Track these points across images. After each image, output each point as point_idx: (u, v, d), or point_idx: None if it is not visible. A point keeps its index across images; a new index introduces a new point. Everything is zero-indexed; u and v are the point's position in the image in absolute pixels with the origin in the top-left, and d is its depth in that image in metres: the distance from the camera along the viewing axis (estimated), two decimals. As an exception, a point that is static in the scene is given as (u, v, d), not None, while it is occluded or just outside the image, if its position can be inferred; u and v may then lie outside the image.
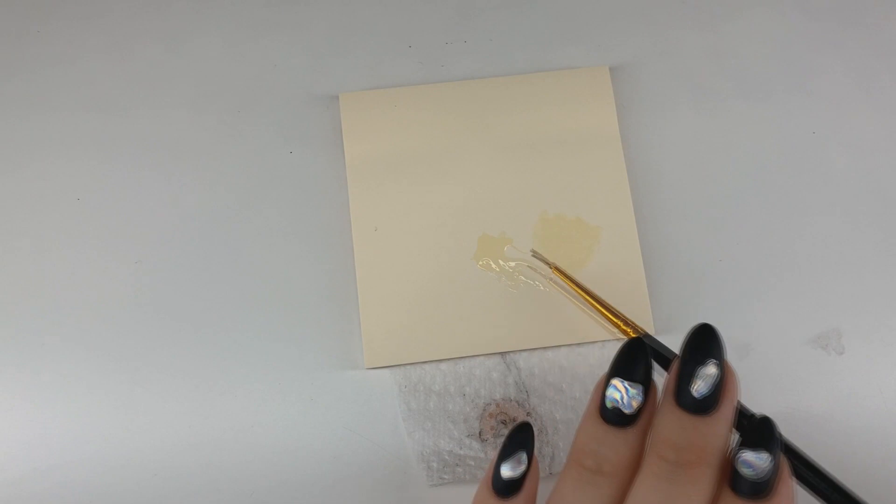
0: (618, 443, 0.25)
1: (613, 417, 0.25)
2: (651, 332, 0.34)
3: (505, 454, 0.26)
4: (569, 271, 0.34)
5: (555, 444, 0.33)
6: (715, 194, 0.36)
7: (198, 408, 0.33)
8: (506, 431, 0.33)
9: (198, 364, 0.34)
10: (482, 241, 0.35)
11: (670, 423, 0.24)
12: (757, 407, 0.34)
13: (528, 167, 0.36)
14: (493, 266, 0.35)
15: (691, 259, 0.35)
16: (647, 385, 0.25)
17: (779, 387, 0.34)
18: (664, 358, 0.29)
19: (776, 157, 0.37)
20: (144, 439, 0.33)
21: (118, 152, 0.36)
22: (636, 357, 0.25)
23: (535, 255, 0.34)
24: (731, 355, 0.34)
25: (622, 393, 0.25)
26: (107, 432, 0.33)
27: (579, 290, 0.33)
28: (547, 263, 0.34)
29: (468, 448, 0.33)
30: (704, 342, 0.24)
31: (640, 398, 0.25)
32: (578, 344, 0.34)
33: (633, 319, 0.34)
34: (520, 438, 0.26)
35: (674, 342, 0.34)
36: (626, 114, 0.37)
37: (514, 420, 0.33)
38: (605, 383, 0.25)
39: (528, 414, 0.33)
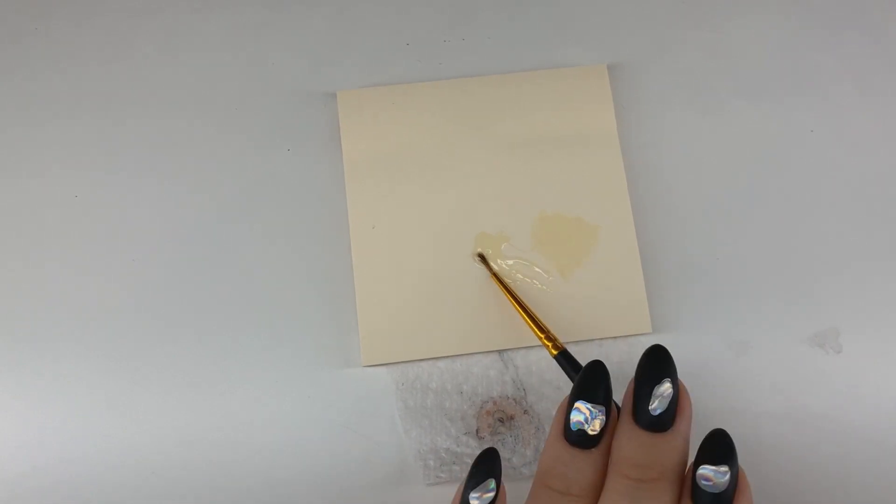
0: (583, 464, 0.25)
1: (578, 439, 0.26)
2: (648, 329, 0.34)
3: (473, 482, 0.26)
4: (505, 280, 0.34)
5: (552, 442, 0.33)
6: (712, 193, 0.36)
7: (195, 406, 0.33)
8: (503, 430, 0.33)
9: (195, 362, 0.34)
10: (480, 240, 0.35)
11: (630, 441, 0.25)
12: (755, 406, 0.34)
13: (527, 165, 0.36)
14: (490, 264, 0.35)
15: (689, 258, 0.35)
16: (608, 406, 0.26)
17: (776, 386, 0.34)
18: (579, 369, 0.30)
19: (774, 155, 0.37)
20: (142, 437, 0.33)
21: (116, 150, 0.36)
22: (598, 379, 0.26)
23: (481, 257, 0.35)
24: (728, 353, 0.34)
25: (586, 414, 0.25)
26: (105, 430, 0.33)
27: (511, 299, 0.33)
28: (488, 269, 0.34)
29: (465, 446, 0.33)
30: (658, 362, 0.26)
31: (603, 419, 0.25)
32: (576, 342, 0.34)
33: (631, 318, 0.34)
34: (487, 465, 0.27)
35: (672, 342, 0.34)
36: (625, 112, 0.37)
37: (512, 418, 0.33)
38: (569, 406, 0.26)
39: (526, 412, 0.33)
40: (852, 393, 0.34)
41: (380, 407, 0.34)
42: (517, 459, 0.33)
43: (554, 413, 0.33)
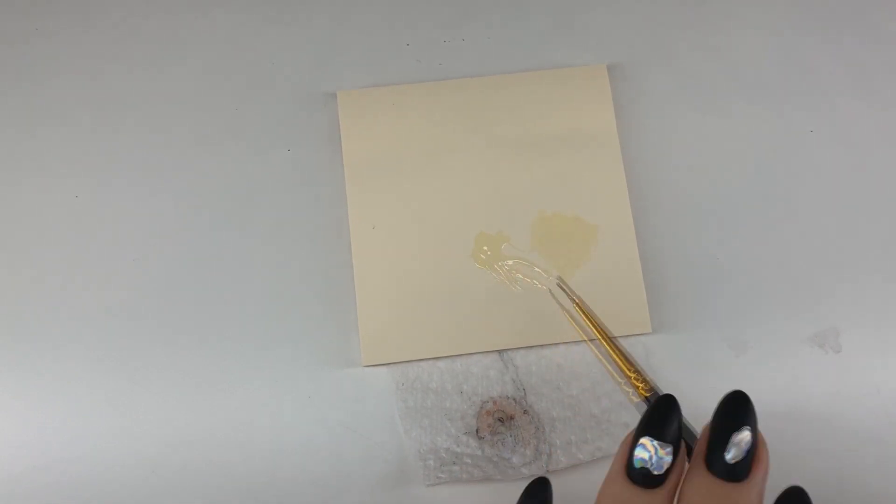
0: None
1: (641, 478, 0.24)
2: (647, 329, 0.34)
3: None
4: (590, 311, 0.33)
5: (552, 441, 0.33)
6: (712, 192, 0.36)
7: (196, 405, 0.33)
8: (503, 430, 0.33)
9: (196, 362, 0.34)
10: (480, 239, 0.35)
11: (700, 488, 0.23)
12: (755, 405, 0.34)
13: (526, 165, 0.36)
14: (490, 263, 0.35)
15: (688, 257, 0.35)
16: (676, 445, 0.24)
17: (776, 385, 0.34)
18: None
19: (773, 155, 0.37)
20: (142, 437, 0.33)
21: (116, 151, 0.36)
22: (668, 415, 0.24)
23: (561, 284, 0.34)
24: (728, 353, 0.34)
25: (651, 453, 0.24)
26: (105, 430, 0.33)
27: (598, 332, 0.32)
28: (572, 297, 0.33)
29: (465, 445, 0.33)
30: (738, 408, 0.24)
31: (670, 459, 0.24)
32: (576, 342, 0.34)
33: (631, 318, 0.34)
34: (540, 498, 0.25)
35: (671, 341, 0.34)
36: (624, 112, 0.37)
37: (512, 418, 0.33)
38: (634, 441, 0.24)
39: (525, 412, 0.33)
40: (852, 392, 0.34)
41: (380, 407, 0.34)
42: (517, 459, 0.33)
43: (554, 412, 0.33)
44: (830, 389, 0.34)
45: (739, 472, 0.23)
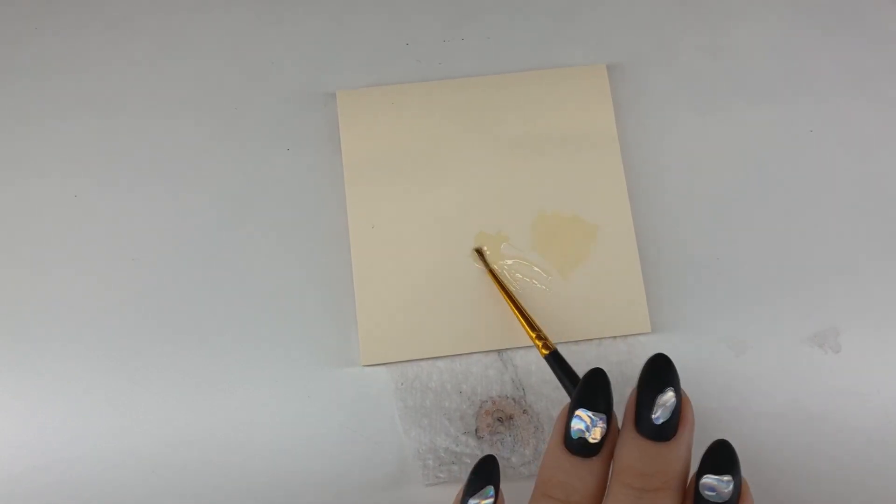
0: (584, 473, 0.25)
1: (579, 448, 0.25)
2: (647, 329, 0.34)
3: (471, 489, 0.26)
4: (501, 277, 0.34)
5: (551, 441, 0.33)
6: (712, 192, 0.36)
7: (195, 405, 0.33)
8: (503, 429, 0.33)
9: (195, 362, 0.34)
10: (479, 239, 0.35)
11: (632, 450, 0.25)
12: (754, 406, 0.34)
13: (526, 165, 0.36)
14: (489, 263, 0.35)
15: (688, 257, 0.35)
16: (609, 414, 0.26)
17: (775, 385, 0.34)
18: (572, 376, 0.30)
19: (773, 155, 0.37)
20: (142, 437, 0.33)
21: (115, 150, 0.36)
22: (598, 387, 0.26)
23: (479, 253, 0.35)
24: (728, 353, 0.34)
25: (587, 422, 0.25)
26: (104, 430, 0.33)
27: (506, 298, 0.33)
28: (485, 266, 0.34)
29: (465, 445, 0.33)
30: (661, 371, 0.25)
31: (604, 427, 0.25)
32: (575, 342, 0.34)
33: (630, 318, 0.34)
34: (486, 472, 0.27)
35: (671, 341, 0.34)
36: (624, 112, 0.37)
37: (511, 418, 0.33)
38: (569, 414, 0.26)
39: (525, 411, 0.33)
40: (851, 392, 0.34)
41: (379, 407, 0.34)
42: (516, 459, 0.33)
43: (553, 412, 0.33)
44: (830, 389, 0.34)
45: (667, 432, 0.25)
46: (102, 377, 0.34)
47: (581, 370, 0.30)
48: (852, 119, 0.37)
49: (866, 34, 0.38)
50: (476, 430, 0.33)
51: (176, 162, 0.36)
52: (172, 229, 0.35)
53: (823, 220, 0.36)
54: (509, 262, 0.35)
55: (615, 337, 0.34)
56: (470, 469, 0.31)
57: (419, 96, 0.37)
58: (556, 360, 0.30)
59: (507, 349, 0.34)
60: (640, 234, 0.35)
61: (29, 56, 0.38)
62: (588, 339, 0.34)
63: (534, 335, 0.31)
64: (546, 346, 0.31)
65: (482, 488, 0.26)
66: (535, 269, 0.35)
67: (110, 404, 0.33)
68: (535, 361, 0.34)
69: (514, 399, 0.33)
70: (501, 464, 0.32)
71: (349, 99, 0.37)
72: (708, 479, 0.24)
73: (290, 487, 0.33)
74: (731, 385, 0.34)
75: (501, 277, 0.34)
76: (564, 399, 0.33)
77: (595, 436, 0.25)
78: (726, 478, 0.24)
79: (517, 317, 0.32)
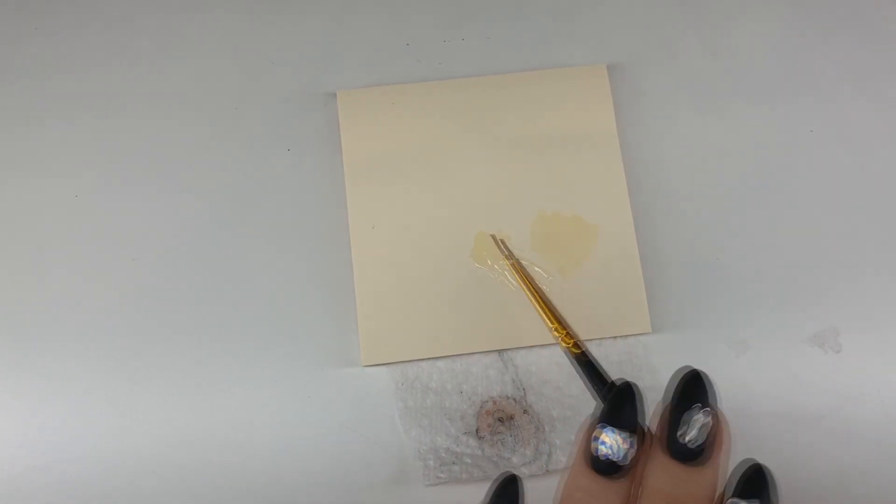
0: (609, 493, 0.24)
1: (605, 468, 0.23)
2: (647, 329, 0.34)
3: None
4: (525, 270, 0.33)
5: (552, 441, 0.33)
6: (712, 192, 0.36)
7: (195, 405, 0.33)
8: (503, 429, 0.33)
9: (195, 362, 0.34)
10: (479, 239, 0.35)
11: (660, 471, 0.23)
12: (754, 406, 0.34)
13: (526, 165, 0.36)
14: (489, 263, 0.35)
15: (688, 257, 0.35)
16: (639, 431, 0.24)
17: (775, 385, 0.34)
18: (600, 378, 0.28)
19: (773, 154, 0.37)
20: (142, 437, 0.33)
21: (116, 150, 0.36)
22: (627, 403, 0.24)
23: (499, 243, 0.34)
24: (728, 353, 0.34)
25: (614, 443, 0.23)
26: (105, 430, 0.33)
27: (528, 291, 0.32)
28: (507, 256, 0.34)
29: (465, 445, 0.33)
30: (695, 389, 0.24)
31: (633, 448, 0.23)
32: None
33: (631, 318, 0.34)
34: (509, 495, 0.25)
35: (671, 341, 0.34)
36: (624, 112, 0.37)
37: (511, 417, 0.33)
38: (595, 430, 0.24)
39: (525, 411, 0.33)
40: (852, 392, 0.34)
41: (380, 407, 0.34)
42: (517, 459, 0.33)
43: (554, 412, 0.33)
44: (830, 389, 0.34)
45: (698, 454, 0.23)
46: (102, 377, 0.34)
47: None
48: (852, 119, 0.37)
49: (866, 34, 0.38)
50: (476, 430, 0.33)
51: (176, 162, 0.36)
52: (172, 229, 0.35)
53: (823, 221, 0.36)
54: (510, 261, 0.35)
55: (615, 337, 0.34)
56: (478, 472, 0.31)
57: (419, 96, 0.37)
58: (584, 362, 0.28)
59: (507, 349, 0.34)
60: (640, 234, 0.35)
61: (29, 56, 0.38)
62: (588, 339, 0.34)
63: (563, 333, 0.30)
64: (576, 345, 0.29)
65: None
66: (536, 269, 0.35)
67: (110, 404, 0.33)
68: (535, 362, 0.34)
69: (514, 399, 0.33)
70: (502, 464, 0.32)
71: (349, 99, 0.37)
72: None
73: (290, 487, 0.33)
74: (731, 385, 0.34)
75: (523, 271, 0.33)
76: (566, 399, 0.33)
77: (623, 458, 0.23)
78: (755, 502, 0.22)
79: (542, 314, 0.31)
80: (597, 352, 0.34)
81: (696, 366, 0.33)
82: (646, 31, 0.39)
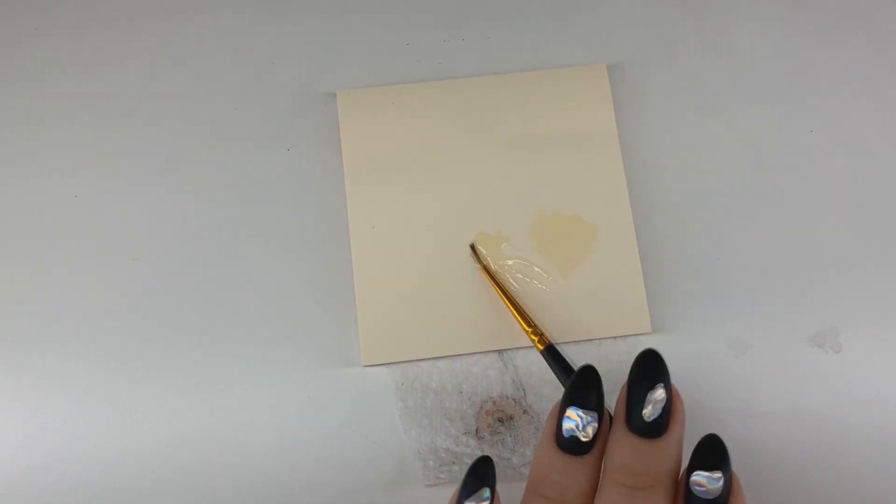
0: (576, 471, 0.25)
1: (571, 446, 0.25)
2: (647, 329, 0.34)
3: (467, 491, 0.26)
4: (496, 275, 0.34)
5: (551, 441, 0.33)
6: (712, 192, 0.36)
7: (195, 405, 0.33)
8: (503, 430, 0.33)
9: (195, 362, 0.34)
10: (479, 239, 0.35)
11: (624, 448, 0.25)
12: (754, 406, 0.34)
13: (526, 165, 0.36)
14: (489, 263, 0.35)
15: (688, 257, 0.35)
16: (600, 412, 0.26)
17: (775, 385, 0.34)
18: (568, 370, 0.30)
19: (773, 155, 0.37)
20: (142, 437, 0.33)
21: (116, 150, 0.36)
22: (590, 385, 0.26)
23: (472, 249, 0.35)
24: (728, 353, 0.34)
25: (578, 421, 0.25)
26: (104, 430, 0.33)
27: (501, 294, 0.33)
28: (478, 262, 0.34)
29: (465, 446, 0.33)
30: (651, 367, 0.25)
31: (595, 425, 0.25)
32: (575, 342, 0.34)
33: (631, 318, 0.34)
34: (481, 473, 0.26)
35: (671, 341, 0.34)
36: (624, 112, 0.37)
37: (511, 418, 0.33)
38: (560, 412, 0.26)
39: (525, 412, 0.33)
40: (852, 393, 0.34)
41: (380, 407, 0.34)
42: (517, 459, 0.33)
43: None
44: (830, 389, 0.34)
45: (658, 428, 0.25)
46: (102, 377, 0.34)
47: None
48: (852, 119, 0.37)
49: (866, 34, 0.38)
50: (476, 431, 0.33)
51: (176, 162, 0.36)
52: (172, 229, 0.35)
53: (823, 220, 0.36)
54: (510, 262, 0.35)
55: (615, 337, 0.34)
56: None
57: (419, 96, 0.37)
58: (551, 355, 0.30)
59: (507, 349, 0.34)
60: (640, 234, 0.35)
61: (29, 56, 0.38)
62: (588, 340, 0.34)
63: (529, 330, 0.31)
64: (542, 340, 0.31)
65: (478, 490, 0.26)
66: (536, 269, 0.35)
67: (110, 404, 0.33)
68: (535, 362, 0.34)
69: (514, 399, 0.33)
70: (502, 464, 0.32)
71: (350, 99, 0.37)
72: (698, 476, 0.24)
73: (290, 487, 0.33)
74: (731, 385, 0.34)
75: (495, 274, 0.34)
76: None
77: (587, 434, 0.25)
78: (716, 474, 0.24)
79: (512, 313, 0.32)
80: (596, 352, 0.34)
81: (697, 366, 0.33)
82: (646, 31, 0.39)
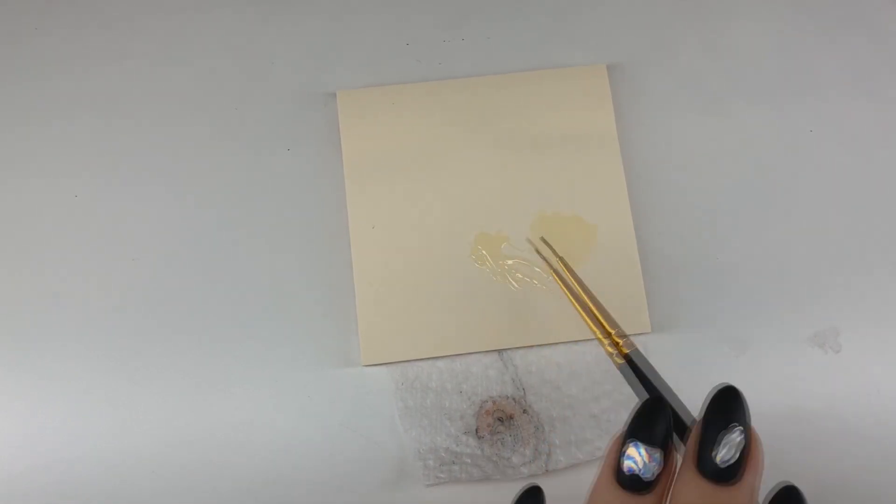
0: None
1: (631, 484, 0.23)
2: (647, 329, 0.34)
3: None
4: (573, 270, 0.32)
5: (551, 441, 0.33)
6: (712, 192, 0.36)
7: (195, 405, 0.33)
8: (503, 429, 0.33)
9: (195, 362, 0.34)
10: (479, 239, 0.35)
11: (692, 491, 0.23)
12: (754, 406, 0.34)
13: (526, 165, 0.36)
14: (489, 263, 0.35)
15: (688, 257, 0.35)
16: (666, 448, 0.23)
17: (776, 385, 0.34)
18: (648, 385, 0.27)
19: (773, 154, 0.37)
20: (142, 437, 0.33)
21: (115, 150, 0.36)
22: (656, 417, 0.23)
23: (544, 244, 0.34)
24: (728, 353, 0.34)
25: (639, 459, 0.23)
26: (104, 430, 0.33)
27: (581, 291, 0.31)
28: (555, 255, 0.33)
29: (465, 445, 0.33)
30: (729, 405, 0.23)
31: (659, 464, 0.23)
32: (575, 342, 0.34)
33: (631, 318, 0.34)
34: None
35: (671, 341, 0.34)
36: (624, 112, 0.37)
37: (511, 417, 0.33)
38: (622, 445, 0.23)
39: (525, 411, 0.33)
40: (851, 392, 0.34)
41: (379, 406, 0.34)
42: (517, 459, 0.33)
43: (553, 412, 0.33)
44: (830, 389, 0.34)
45: (730, 474, 0.22)
46: (102, 377, 0.34)
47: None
48: (852, 119, 0.37)
49: (866, 34, 0.38)
50: (476, 430, 0.33)
51: (176, 162, 0.36)
52: (172, 229, 0.35)
53: (823, 220, 0.36)
54: (509, 262, 0.35)
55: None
56: (477, 472, 0.31)
57: (419, 96, 0.37)
58: (631, 367, 0.27)
59: (507, 349, 0.34)
60: (640, 234, 0.35)
61: (29, 56, 0.38)
62: (588, 340, 0.34)
63: (606, 342, 0.28)
64: (619, 350, 0.28)
65: None
66: (536, 269, 0.35)
67: (110, 404, 0.33)
68: (535, 361, 0.34)
69: (514, 399, 0.33)
70: (501, 464, 0.32)
71: (349, 99, 0.37)
72: None
73: (289, 486, 0.33)
74: (731, 385, 0.34)
75: (567, 271, 0.32)
76: (565, 399, 0.33)
77: (650, 475, 0.23)
78: None
79: (583, 316, 0.29)
80: (596, 352, 0.34)
81: (696, 366, 0.33)
82: (646, 31, 0.39)
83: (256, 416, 0.33)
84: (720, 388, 0.23)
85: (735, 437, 0.23)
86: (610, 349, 0.28)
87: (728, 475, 0.22)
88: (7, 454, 0.33)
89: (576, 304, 0.29)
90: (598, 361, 0.34)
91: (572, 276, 0.31)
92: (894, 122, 0.37)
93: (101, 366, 0.34)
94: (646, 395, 0.26)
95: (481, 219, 0.35)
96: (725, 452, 0.22)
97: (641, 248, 0.35)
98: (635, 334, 0.34)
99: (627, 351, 0.27)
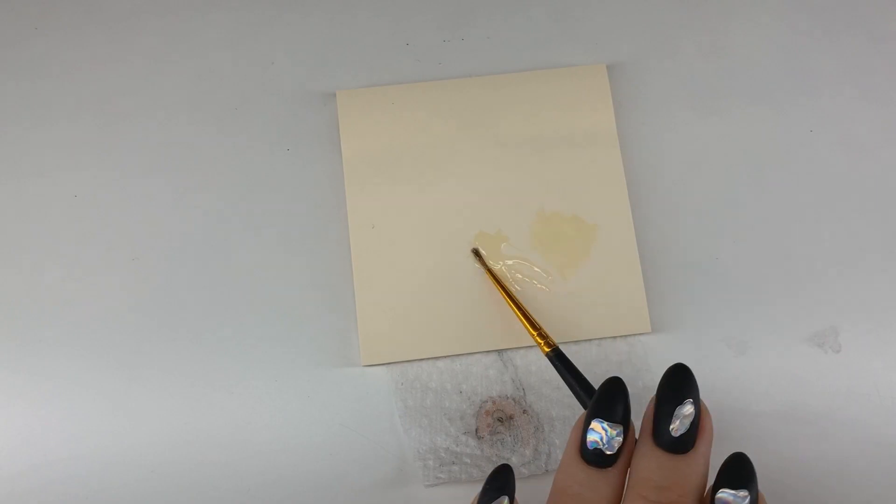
0: (600, 483, 0.25)
1: (595, 458, 0.25)
2: (647, 329, 0.34)
3: (486, 499, 0.26)
4: (499, 276, 0.34)
5: (551, 441, 0.33)
6: (712, 192, 0.36)
7: (195, 405, 0.33)
8: (503, 429, 0.33)
9: (195, 361, 0.34)
10: (479, 239, 0.35)
11: (650, 462, 0.25)
12: (754, 405, 0.34)
13: (526, 165, 0.36)
14: (490, 263, 0.35)
15: (688, 257, 0.35)
16: (626, 424, 0.25)
17: (775, 385, 0.34)
18: (575, 373, 0.30)
19: (773, 155, 0.37)
20: (141, 436, 0.33)
21: (115, 150, 0.36)
22: (615, 397, 0.26)
23: (476, 254, 0.35)
24: (728, 353, 0.34)
25: (603, 434, 0.25)
26: (104, 429, 0.33)
27: (505, 297, 0.33)
28: (483, 266, 0.34)
29: (465, 445, 0.33)
30: (680, 382, 0.25)
31: (620, 438, 0.25)
32: (575, 342, 0.34)
33: (631, 318, 0.34)
34: (500, 482, 0.26)
35: (671, 341, 0.34)
36: (624, 112, 0.37)
37: (511, 417, 0.33)
38: (585, 424, 0.25)
39: (525, 411, 0.33)
40: (851, 392, 0.34)
41: (379, 407, 0.34)
42: (517, 459, 0.33)
43: (553, 412, 0.33)
44: (830, 389, 0.34)
45: (684, 444, 0.24)
46: (102, 377, 0.34)
47: (582, 371, 0.30)
48: (852, 119, 0.37)
49: (866, 34, 0.38)
50: (476, 430, 0.33)
51: (176, 162, 0.36)
52: (173, 230, 0.35)
53: (823, 220, 0.36)
54: (509, 262, 0.35)
55: (615, 337, 0.34)
56: (477, 472, 0.31)
57: (419, 96, 0.37)
58: (558, 358, 0.30)
59: (507, 349, 0.34)
60: (640, 234, 0.35)
61: (29, 56, 0.38)
62: (588, 340, 0.34)
63: (535, 333, 0.31)
64: (548, 343, 0.31)
65: (497, 498, 0.26)
66: (535, 269, 0.35)
67: (110, 404, 0.33)
68: (535, 361, 0.34)
69: (514, 399, 0.33)
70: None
71: (349, 99, 0.37)
72: (724, 494, 0.24)
73: (289, 487, 0.33)
74: (731, 385, 0.34)
75: (500, 277, 0.34)
76: (565, 399, 0.33)
77: (611, 448, 0.25)
78: (742, 493, 0.24)
79: (517, 316, 0.32)
80: (596, 352, 0.34)
81: (696, 366, 0.33)
82: (646, 31, 0.39)
83: (256, 416, 0.33)
84: (672, 367, 0.25)
85: (687, 410, 0.25)
86: (540, 340, 0.31)
87: (682, 445, 0.25)
88: (7, 453, 0.33)
89: (513, 307, 0.32)
90: (598, 362, 0.34)
91: (502, 284, 0.34)
92: (894, 122, 0.37)
93: (101, 365, 0.34)
94: (572, 381, 0.29)
95: (481, 219, 0.35)
96: (678, 425, 0.24)
97: (641, 248, 0.35)
98: (635, 334, 0.34)
99: (556, 343, 0.31)
